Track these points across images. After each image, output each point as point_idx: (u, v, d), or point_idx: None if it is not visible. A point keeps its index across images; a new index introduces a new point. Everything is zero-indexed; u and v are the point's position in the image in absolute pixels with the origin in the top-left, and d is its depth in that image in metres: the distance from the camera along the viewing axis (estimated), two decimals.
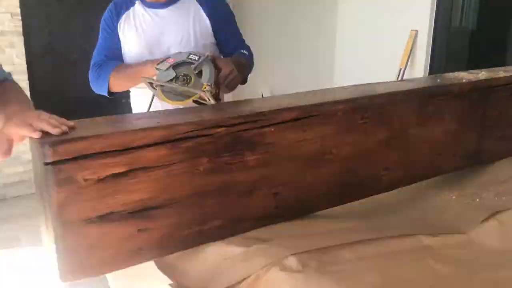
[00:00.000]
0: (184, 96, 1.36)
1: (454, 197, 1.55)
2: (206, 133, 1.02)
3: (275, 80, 4.70)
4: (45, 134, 0.89)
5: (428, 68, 4.25)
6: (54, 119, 0.90)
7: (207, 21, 1.65)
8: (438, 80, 1.53)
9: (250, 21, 4.16)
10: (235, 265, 1.04)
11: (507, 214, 1.36)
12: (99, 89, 1.62)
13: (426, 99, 1.40)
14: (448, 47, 4.27)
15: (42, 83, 3.38)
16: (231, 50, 1.68)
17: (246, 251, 1.06)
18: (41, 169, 0.88)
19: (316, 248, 1.07)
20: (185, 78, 1.38)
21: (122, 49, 1.64)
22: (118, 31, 1.63)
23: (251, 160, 1.09)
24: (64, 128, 0.88)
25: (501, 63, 3.37)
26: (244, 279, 0.98)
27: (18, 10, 3.13)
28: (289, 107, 1.13)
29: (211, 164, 1.04)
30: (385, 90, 1.34)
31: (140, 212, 0.97)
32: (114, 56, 1.63)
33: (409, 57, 4.26)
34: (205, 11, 1.64)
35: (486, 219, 1.34)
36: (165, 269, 1.10)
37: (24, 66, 3.19)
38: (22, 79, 3.09)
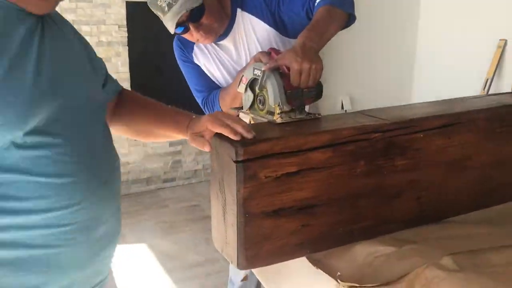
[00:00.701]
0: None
1: None
2: (365, 138, 1.09)
3: (355, 89, 4.73)
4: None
5: None
6: (243, 124, 1.01)
7: (266, 27, 1.55)
8: None
9: None
10: (391, 263, 1.09)
11: None
12: None
13: None
14: None
15: (139, 89, 3.61)
16: (302, 12, 1.48)
17: (399, 250, 1.12)
18: (228, 166, 0.98)
19: (465, 251, 1.11)
20: (260, 99, 1.18)
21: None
22: (197, 62, 1.63)
23: (400, 165, 1.15)
24: (253, 134, 0.98)
25: None
26: (402, 276, 1.04)
27: (125, 22, 3.38)
28: (438, 115, 1.19)
29: (366, 167, 1.11)
30: None
31: (305, 209, 1.06)
32: (212, 85, 1.63)
33: (496, 67, 4.16)
34: (259, 17, 1.55)
35: None
36: (315, 265, 1.18)
37: (127, 74, 3.44)
38: (125, 87, 3.32)
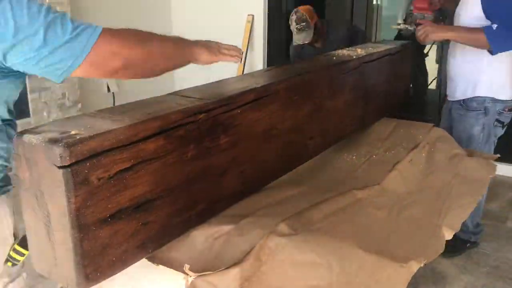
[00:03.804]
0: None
1: (354, 157, 1.82)
2: (193, 120, 1.04)
3: None
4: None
5: (266, 51, 4.62)
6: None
7: None
8: (334, 58, 1.76)
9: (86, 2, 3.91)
10: (233, 241, 1.09)
11: (401, 165, 1.68)
12: None
13: (334, 75, 1.62)
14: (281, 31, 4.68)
15: None
16: None
17: (237, 227, 1.12)
18: (49, 174, 0.81)
19: (293, 214, 1.19)
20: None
21: None
22: None
23: (224, 143, 1.15)
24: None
25: None
26: (247, 253, 1.05)
27: None
28: (249, 89, 1.22)
29: (196, 150, 1.07)
30: (307, 69, 1.51)
31: (142, 205, 0.96)
32: None
33: (249, 41, 4.55)
34: None
35: (389, 171, 1.63)
36: (155, 262, 1.10)
37: None
38: None
